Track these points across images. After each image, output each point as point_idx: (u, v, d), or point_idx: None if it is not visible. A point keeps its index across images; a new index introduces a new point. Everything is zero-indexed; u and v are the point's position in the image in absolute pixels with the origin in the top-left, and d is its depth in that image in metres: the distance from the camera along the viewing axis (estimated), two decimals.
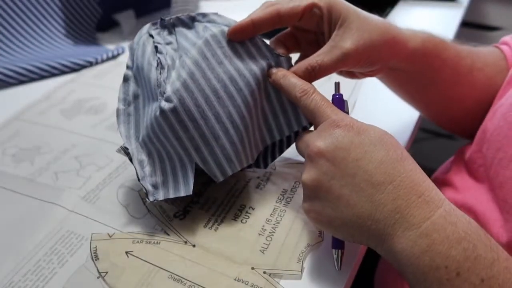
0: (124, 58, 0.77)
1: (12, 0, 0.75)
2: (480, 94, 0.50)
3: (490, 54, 0.52)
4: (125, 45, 0.82)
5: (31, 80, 0.71)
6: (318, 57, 0.40)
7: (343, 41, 0.40)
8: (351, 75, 0.48)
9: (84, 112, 0.62)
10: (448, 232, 0.29)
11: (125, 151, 0.42)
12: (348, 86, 0.65)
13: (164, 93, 0.38)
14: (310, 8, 0.40)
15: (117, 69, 0.74)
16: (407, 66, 0.46)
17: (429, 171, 0.53)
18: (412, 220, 0.30)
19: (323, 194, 0.34)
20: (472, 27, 1.21)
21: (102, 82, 0.70)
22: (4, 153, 0.54)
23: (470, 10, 0.99)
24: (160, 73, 0.40)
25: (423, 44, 0.45)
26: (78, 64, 0.74)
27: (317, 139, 0.35)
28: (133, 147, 0.43)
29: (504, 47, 0.52)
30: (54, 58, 0.74)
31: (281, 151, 0.47)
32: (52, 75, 0.72)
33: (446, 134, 1.28)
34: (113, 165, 0.51)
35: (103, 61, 0.76)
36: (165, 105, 0.38)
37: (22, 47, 0.76)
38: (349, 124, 0.34)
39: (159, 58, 0.41)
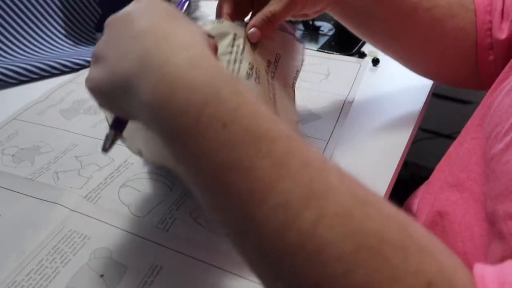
0: None
1: (12, 0, 0.75)
2: (426, 32, 0.53)
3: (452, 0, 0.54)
4: None
5: (31, 80, 0.71)
6: (270, 7, 0.45)
7: None
8: (305, 16, 0.52)
9: (83, 112, 0.62)
10: (190, 78, 0.27)
11: None
12: (347, 85, 0.65)
13: None
14: None
15: None
16: None
17: (429, 171, 0.54)
18: (153, 62, 0.29)
19: (98, 61, 0.35)
20: None
21: None
22: (4, 153, 0.54)
23: None
24: None
25: None
26: (78, 64, 0.74)
27: None
28: None
29: None
30: (54, 58, 0.73)
31: None
32: (52, 75, 0.72)
33: (446, 134, 1.28)
34: (114, 164, 0.51)
35: None
36: None
37: (21, 48, 0.76)
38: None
39: None
